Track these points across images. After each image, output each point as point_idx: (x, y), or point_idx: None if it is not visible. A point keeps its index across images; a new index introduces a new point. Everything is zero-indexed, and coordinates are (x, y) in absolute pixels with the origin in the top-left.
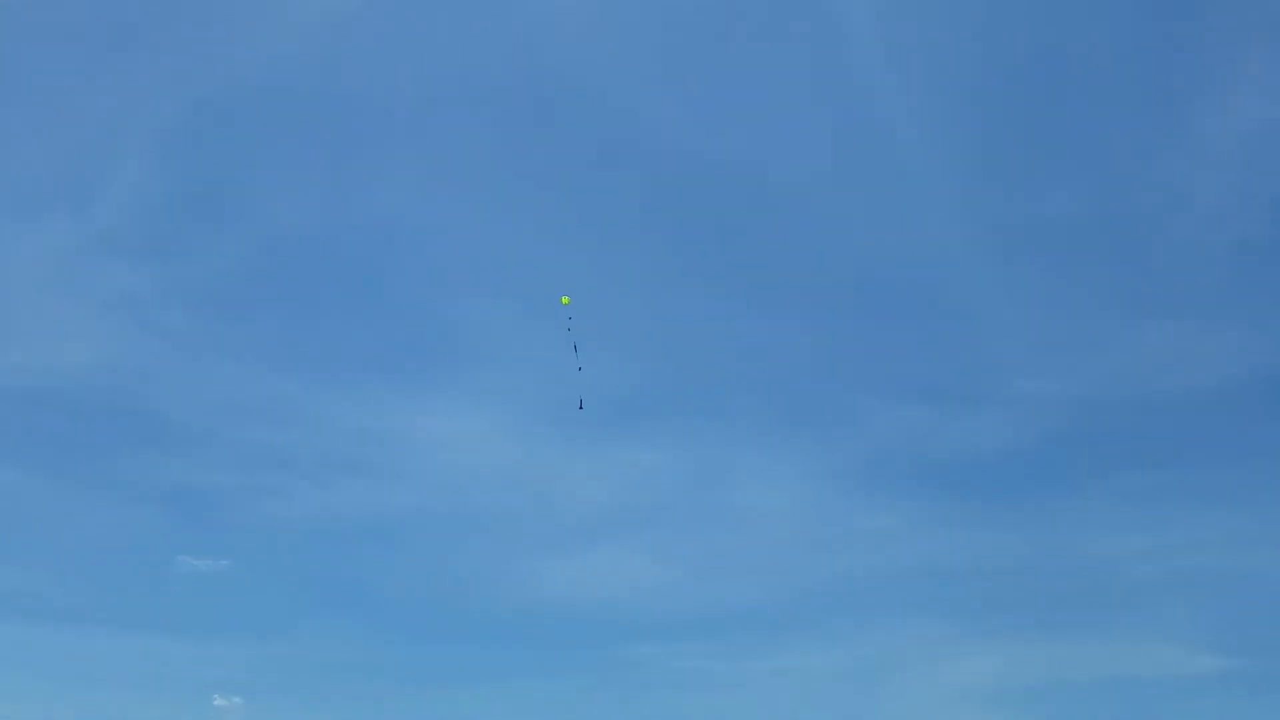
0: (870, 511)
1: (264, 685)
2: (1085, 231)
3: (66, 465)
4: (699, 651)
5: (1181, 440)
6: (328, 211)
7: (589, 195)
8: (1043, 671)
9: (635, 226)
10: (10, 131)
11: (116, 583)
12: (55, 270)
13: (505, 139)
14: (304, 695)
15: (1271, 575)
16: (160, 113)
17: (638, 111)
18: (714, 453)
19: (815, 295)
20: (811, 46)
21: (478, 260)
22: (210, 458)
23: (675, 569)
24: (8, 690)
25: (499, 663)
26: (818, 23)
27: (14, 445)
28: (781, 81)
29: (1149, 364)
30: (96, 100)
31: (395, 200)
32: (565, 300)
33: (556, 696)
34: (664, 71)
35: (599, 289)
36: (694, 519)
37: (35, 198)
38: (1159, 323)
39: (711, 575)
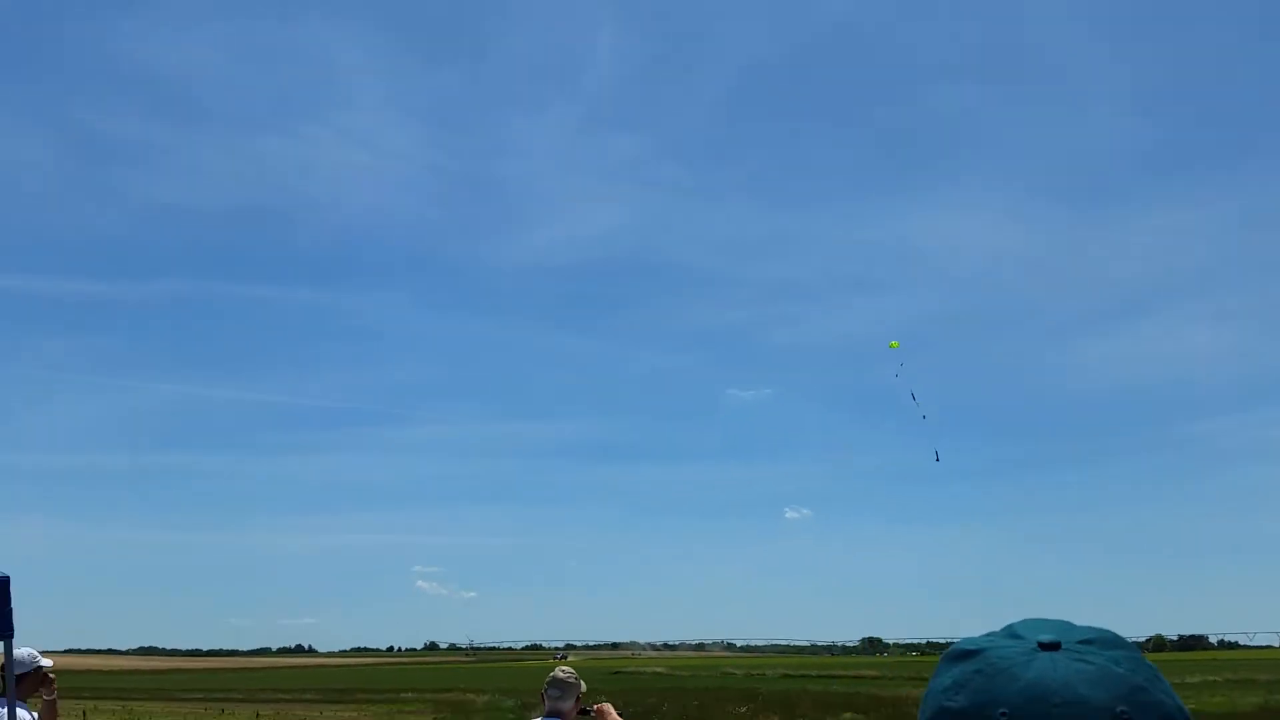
0: None
1: (826, 496)
2: None
3: (612, 323)
4: None
5: None
6: (779, 36)
7: None
8: None
9: None
10: (500, 28)
11: (678, 420)
12: (563, 151)
13: None
14: (861, 502)
15: None
16: None
17: None
18: (1262, 198)
19: None
20: None
21: (950, 46)
22: (731, 297)
23: (1241, 332)
24: (613, 521)
25: (1050, 454)
26: None
27: (564, 313)
28: None
29: None
30: None
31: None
32: (894, 345)
33: (1115, 486)
34: None
35: (1101, 55)
36: (1258, 272)
37: (530, 88)
38: None
39: None
